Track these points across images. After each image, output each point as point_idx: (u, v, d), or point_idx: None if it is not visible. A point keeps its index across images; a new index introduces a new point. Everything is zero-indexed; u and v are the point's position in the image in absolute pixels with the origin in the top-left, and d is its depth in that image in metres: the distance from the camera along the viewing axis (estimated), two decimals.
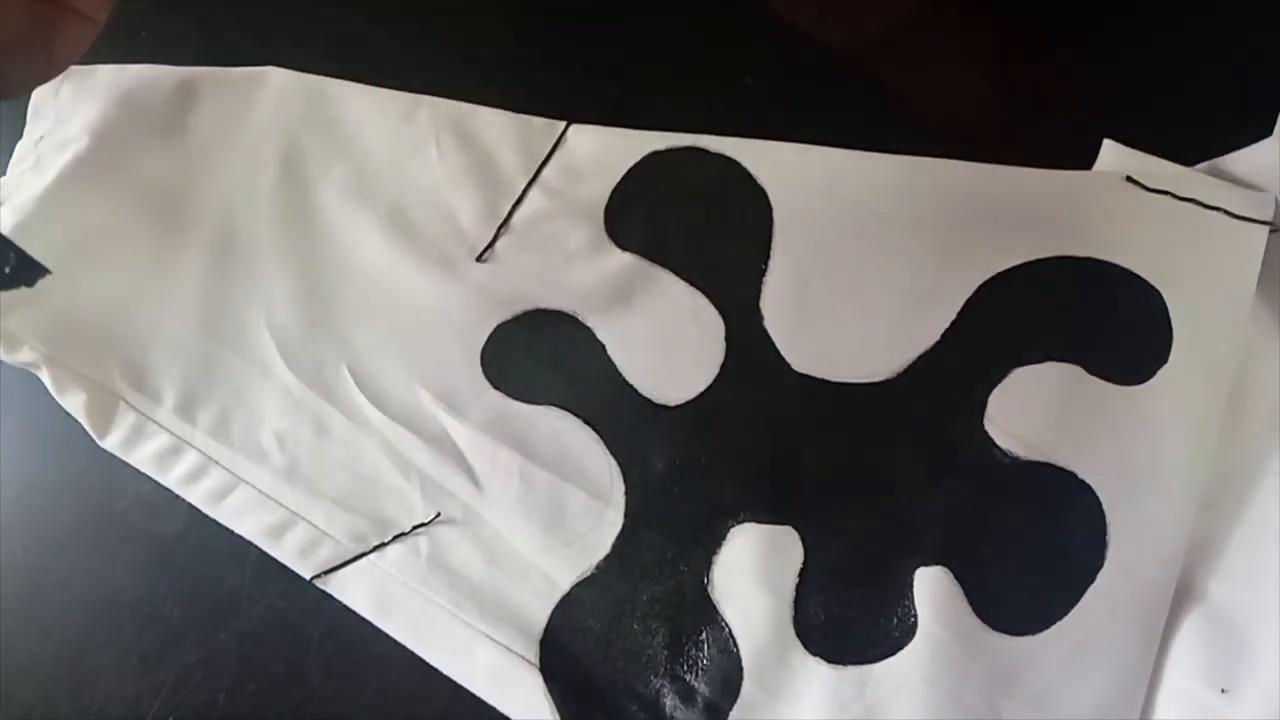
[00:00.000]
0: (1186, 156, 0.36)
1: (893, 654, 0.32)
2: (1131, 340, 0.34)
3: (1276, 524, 0.31)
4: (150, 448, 0.40)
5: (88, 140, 0.43)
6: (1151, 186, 0.35)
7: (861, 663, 0.33)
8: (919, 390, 0.35)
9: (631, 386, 0.37)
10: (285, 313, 0.41)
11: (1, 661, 0.37)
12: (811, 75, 0.41)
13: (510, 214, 0.40)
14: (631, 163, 0.40)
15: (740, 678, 0.33)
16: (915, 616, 0.33)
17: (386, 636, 0.35)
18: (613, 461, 0.37)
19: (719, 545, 0.35)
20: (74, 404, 0.41)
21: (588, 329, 0.38)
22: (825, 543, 0.34)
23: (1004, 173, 0.36)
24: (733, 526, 0.35)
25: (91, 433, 0.40)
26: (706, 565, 0.35)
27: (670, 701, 0.33)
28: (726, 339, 0.37)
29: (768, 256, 0.38)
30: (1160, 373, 0.33)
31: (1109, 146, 0.37)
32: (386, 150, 0.43)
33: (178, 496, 0.39)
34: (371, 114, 0.44)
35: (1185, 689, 0.30)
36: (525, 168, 0.41)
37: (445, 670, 0.35)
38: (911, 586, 0.33)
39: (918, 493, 0.34)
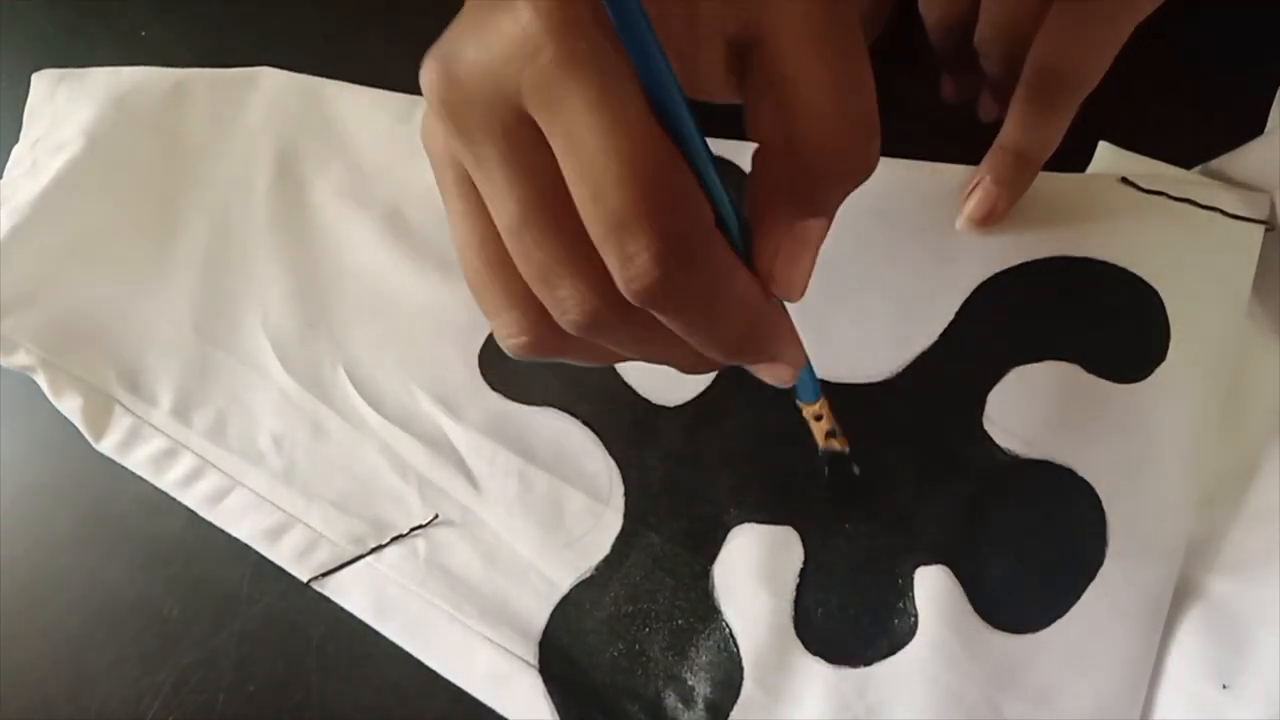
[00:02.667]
0: (1180, 158, 0.37)
1: (893, 653, 0.32)
2: (1129, 339, 0.34)
3: (1276, 520, 0.31)
4: (146, 450, 0.40)
5: (83, 143, 0.43)
6: (1146, 187, 0.36)
7: (862, 662, 0.32)
8: (918, 390, 0.35)
9: (630, 387, 0.37)
10: (281, 314, 0.41)
11: (1, 662, 0.37)
12: None
13: None
14: None
15: (741, 678, 0.33)
16: (916, 615, 0.32)
17: (386, 637, 0.35)
18: (612, 462, 0.37)
19: (719, 546, 0.35)
20: (70, 407, 0.40)
21: None
22: (825, 542, 0.34)
23: None
24: (732, 527, 0.35)
25: (87, 436, 0.40)
26: (706, 565, 0.35)
27: (671, 702, 0.33)
28: None
29: None
30: (1158, 371, 0.33)
31: (1104, 148, 0.37)
32: (383, 151, 0.43)
33: None
34: (368, 115, 0.44)
35: (1186, 685, 0.30)
36: None
37: (444, 672, 0.35)
38: (912, 585, 0.33)
39: (917, 492, 0.34)
